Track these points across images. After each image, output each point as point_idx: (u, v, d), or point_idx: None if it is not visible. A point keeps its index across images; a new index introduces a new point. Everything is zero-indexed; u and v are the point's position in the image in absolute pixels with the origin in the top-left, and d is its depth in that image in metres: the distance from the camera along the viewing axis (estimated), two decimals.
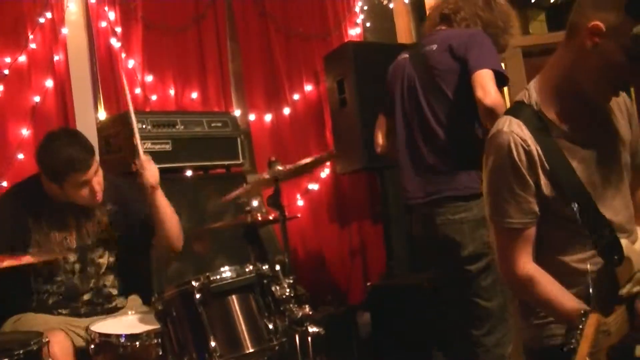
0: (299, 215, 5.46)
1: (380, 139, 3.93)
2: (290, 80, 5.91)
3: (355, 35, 6.26)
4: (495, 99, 3.26)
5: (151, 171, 3.43)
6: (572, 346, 1.92)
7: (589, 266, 2.23)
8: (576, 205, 2.23)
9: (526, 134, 2.25)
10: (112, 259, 3.60)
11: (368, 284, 5.27)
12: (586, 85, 2.25)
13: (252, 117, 5.70)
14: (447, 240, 3.49)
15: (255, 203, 4.38)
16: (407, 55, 3.76)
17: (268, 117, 5.78)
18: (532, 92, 2.35)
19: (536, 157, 2.25)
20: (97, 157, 3.41)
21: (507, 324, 3.52)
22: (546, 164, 2.25)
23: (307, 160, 3.50)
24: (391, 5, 6.44)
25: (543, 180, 2.27)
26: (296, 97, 5.90)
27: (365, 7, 6.35)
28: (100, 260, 3.55)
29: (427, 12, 3.90)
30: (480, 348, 3.51)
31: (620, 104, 2.42)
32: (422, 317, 4.54)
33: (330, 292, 5.73)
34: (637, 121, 2.47)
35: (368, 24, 6.37)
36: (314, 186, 5.88)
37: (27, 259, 3.10)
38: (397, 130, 3.74)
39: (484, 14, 3.61)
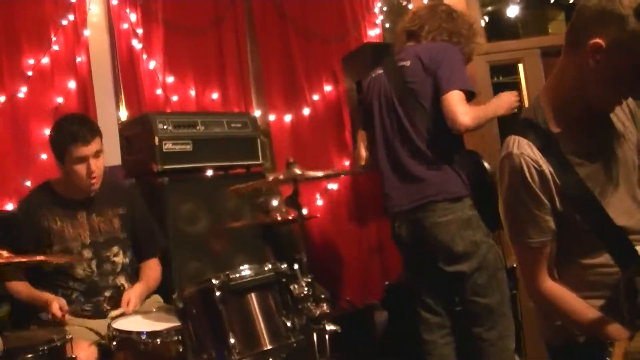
0: (317, 215, 5.50)
1: (362, 152, 4.05)
2: (309, 81, 5.95)
3: (375, 35, 6.28)
4: (463, 123, 3.42)
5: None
6: None
7: (609, 269, 2.28)
8: (585, 215, 2.27)
9: (536, 154, 2.29)
10: (125, 260, 3.70)
11: (386, 282, 5.29)
12: (592, 98, 2.27)
13: (272, 117, 5.74)
14: (437, 241, 3.57)
15: (275, 203, 4.43)
16: (381, 71, 3.87)
17: (288, 118, 5.82)
18: (538, 109, 2.38)
19: (548, 176, 2.28)
20: (101, 143, 3.55)
21: (507, 317, 3.64)
22: (558, 181, 2.28)
23: (324, 173, 3.58)
24: (410, 6, 6.45)
25: (557, 197, 2.30)
26: (315, 97, 5.94)
27: (385, 8, 6.37)
28: (115, 259, 3.66)
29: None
30: (485, 343, 3.60)
31: (623, 105, 2.44)
32: None
33: (348, 290, 5.77)
34: None
35: (387, 25, 6.38)
36: (333, 186, 5.91)
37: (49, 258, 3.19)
38: (376, 142, 3.85)
39: (447, 25, 3.77)
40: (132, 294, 3.53)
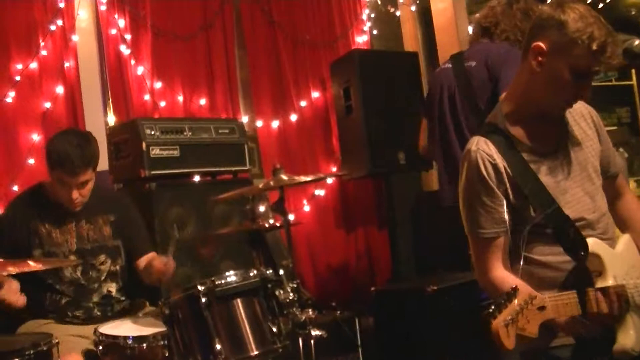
0: (301, 222, 5.51)
1: (423, 140, 4.11)
2: (297, 87, 5.97)
3: (362, 42, 6.32)
4: None
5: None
6: (490, 311, 2.01)
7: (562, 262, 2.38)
8: (539, 209, 2.38)
9: (492, 149, 2.44)
10: (114, 267, 3.65)
11: (372, 288, 5.31)
12: (540, 100, 2.43)
13: (259, 123, 5.75)
14: None
15: (261, 209, 4.44)
16: (450, 66, 3.91)
17: (275, 124, 5.83)
18: (499, 112, 2.53)
19: (502, 169, 2.42)
20: (93, 172, 3.49)
21: None
22: (511, 174, 2.41)
23: (310, 177, 3.59)
24: (398, 13, 6.50)
25: (510, 190, 2.43)
26: (303, 103, 5.96)
27: (372, 15, 6.41)
28: (101, 267, 3.61)
29: (434, 20, 4.07)
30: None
31: (586, 115, 2.61)
32: (426, 322, 4.56)
33: (335, 296, 5.77)
34: (605, 134, 2.64)
35: (375, 32, 6.42)
36: (320, 192, 5.93)
37: (31, 267, 3.15)
38: (435, 134, 3.93)
39: (522, 25, 3.73)
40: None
